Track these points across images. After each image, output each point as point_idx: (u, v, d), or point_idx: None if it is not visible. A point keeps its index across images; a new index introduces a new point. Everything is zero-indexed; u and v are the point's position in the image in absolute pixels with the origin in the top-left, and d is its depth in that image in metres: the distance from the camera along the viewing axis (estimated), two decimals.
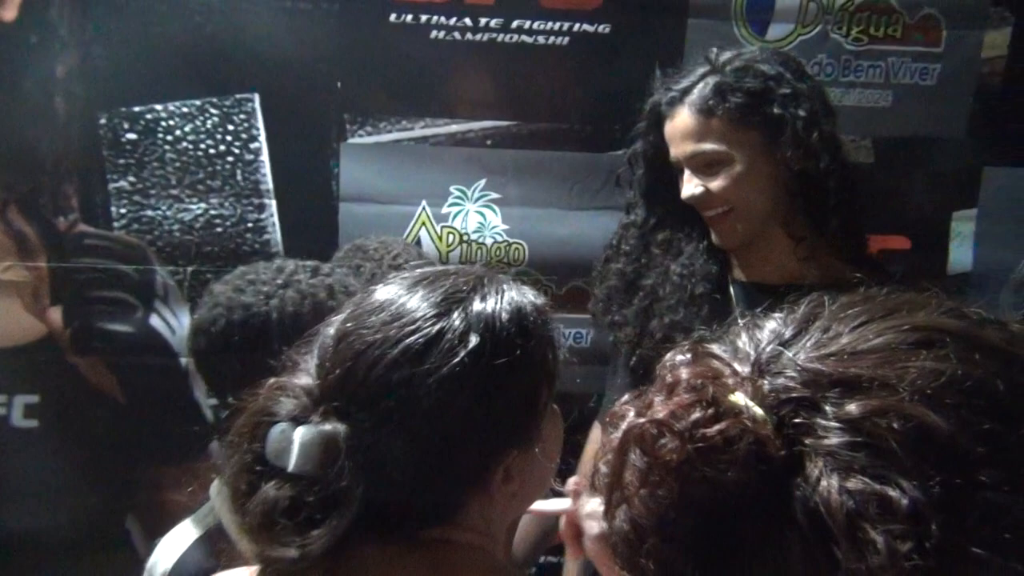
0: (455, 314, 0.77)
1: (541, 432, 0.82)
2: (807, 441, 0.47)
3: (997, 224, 2.13)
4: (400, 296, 0.79)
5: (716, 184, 1.43)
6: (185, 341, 1.94)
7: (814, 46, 1.97)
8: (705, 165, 1.44)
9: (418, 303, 0.78)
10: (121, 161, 1.89)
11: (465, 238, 1.99)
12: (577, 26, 1.93)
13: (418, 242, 1.97)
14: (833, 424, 0.47)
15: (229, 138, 1.91)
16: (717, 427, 0.48)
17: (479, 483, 0.79)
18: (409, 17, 1.88)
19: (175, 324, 1.97)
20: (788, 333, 0.53)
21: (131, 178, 1.90)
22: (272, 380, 0.79)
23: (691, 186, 1.45)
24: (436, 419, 0.75)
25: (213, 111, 1.90)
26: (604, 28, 1.93)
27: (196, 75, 1.88)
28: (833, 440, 0.46)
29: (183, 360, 1.97)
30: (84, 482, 1.98)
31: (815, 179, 1.43)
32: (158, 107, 1.89)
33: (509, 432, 0.79)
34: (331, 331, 0.80)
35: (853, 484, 0.45)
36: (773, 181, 1.44)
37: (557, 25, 1.92)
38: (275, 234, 1.95)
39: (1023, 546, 0.45)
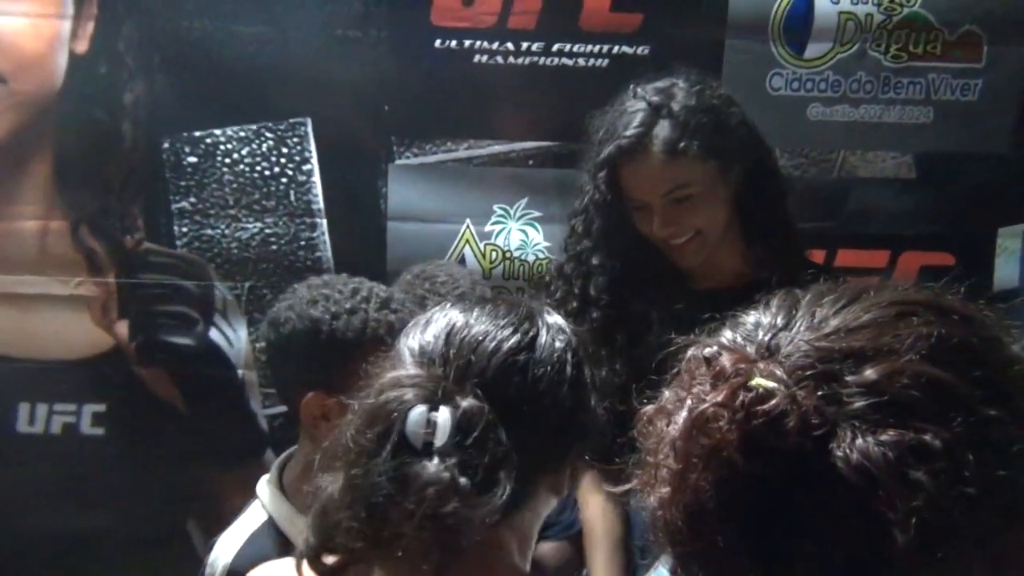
0: (538, 321, 0.89)
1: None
2: (835, 409, 0.53)
3: None
4: (483, 311, 0.89)
5: (686, 215, 1.49)
6: (243, 352, 2.06)
7: (852, 64, 1.99)
8: (675, 201, 1.49)
9: (503, 317, 0.88)
10: (183, 183, 2.01)
11: (508, 255, 2.05)
12: (616, 48, 1.98)
13: (462, 260, 2.03)
14: (855, 390, 0.53)
15: (283, 160, 2.01)
16: (768, 405, 0.54)
17: (554, 473, 0.88)
18: (453, 43, 1.96)
19: (233, 337, 2.07)
20: (779, 322, 0.59)
21: (192, 199, 2.01)
22: (383, 379, 0.85)
23: (664, 222, 1.49)
24: (547, 401, 0.85)
25: (268, 135, 2.00)
26: (643, 50, 1.98)
27: (252, 101, 1.99)
28: (859, 403, 0.53)
29: (240, 372, 2.07)
30: (148, 487, 2.08)
31: (759, 191, 1.54)
32: (217, 132, 2.00)
33: (581, 428, 0.89)
34: (429, 335, 0.87)
35: (887, 437, 0.52)
36: (728, 199, 1.53)
37: (597, 48, 1.98)
38: (326, 251, 2.04)
39: None
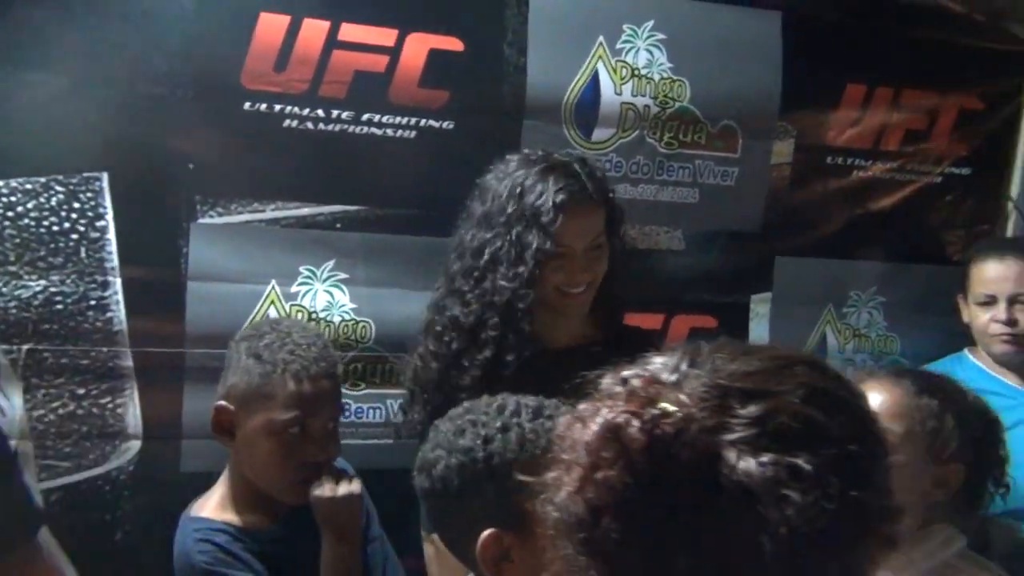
0: None
1: None
2: (725, 436, 0.63)
3: (788, 305, 2.44)
4: None
5: (595, 264, 1.65)
6: (18, 421, 1.89)
7: (633, 149, 2.22)
8: (596, 249, 1.65)
9: None
10: None
11: (313, 316, 2.06)
12: (424, 121, 2.08)
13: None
14: (743, 421, 0.63)
15: (74, 216, 1.90)
16: (670, 420, 0.63)
17: None
18: (263, 106, 1.97)
19: (5, 405, 1.90)
20: (683, 366, 0.69)
21: None
22: None
23: (583, 269, 1.64)
24: None
25: (58, 188, 1.89)
26: (448, 124, 2.10)
27: (42, 153, 1.87)
28: (745, 432, 0.62)
29: (13, 442, 1.90)
30: None
31: (617, 253, 1.73)
32: None
33: None
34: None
35: (767, 459, 0.61)
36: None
37: (405, 120, 2.07)
38: (119, 312, 1.94)
39: (879, 489, 0.66)
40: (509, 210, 1.62)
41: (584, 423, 0.66)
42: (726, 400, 0.64)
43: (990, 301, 2.09)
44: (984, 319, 2.11)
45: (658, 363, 0.69)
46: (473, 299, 1.65)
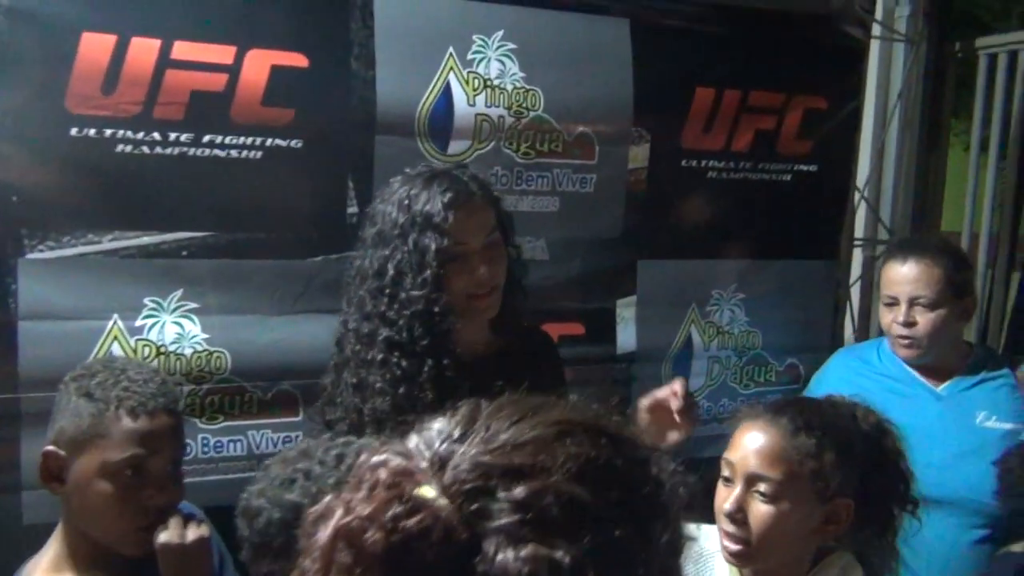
0: None
1: None
2: (485, 524, 0.56)
3: (653, 307, 2.48)
4: None
5: (496, 263, 1.65)
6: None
7: (490, 159, 2.20)
8: (490, 246, 1.64)
9: None
10: None
11: (162, 350, 1.96)
12: (270, 141, 2.00)
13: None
14: (504, 506, 0.56)
15: None
16: (414, 519, 0.55)
17: None
18: (92, 131, 1.85)
19: None
20: (456, 433, 0.62)
21: None
22: None
23: (484, 263, 1.63)
24: None
25: None
26: (296, 143, 2.02)
27: None
28: (505, 520, 0.56)
29: None
30: None
31: (513, 260, 1.74)
32: None
33: None
34: None
35: (525, 552, 0.55)
36: None
37: (249, 140, 1.98)
38: None
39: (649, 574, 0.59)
40: (401, 221, 1.61)
41: (325, 521, 0.59)
42: (490, 481, 0.58)
43: (893, 303, 2.08)
44: (888, 320, 2.11)
45: (432, 432, 0.63)
46: (395, 316, 1.61)
